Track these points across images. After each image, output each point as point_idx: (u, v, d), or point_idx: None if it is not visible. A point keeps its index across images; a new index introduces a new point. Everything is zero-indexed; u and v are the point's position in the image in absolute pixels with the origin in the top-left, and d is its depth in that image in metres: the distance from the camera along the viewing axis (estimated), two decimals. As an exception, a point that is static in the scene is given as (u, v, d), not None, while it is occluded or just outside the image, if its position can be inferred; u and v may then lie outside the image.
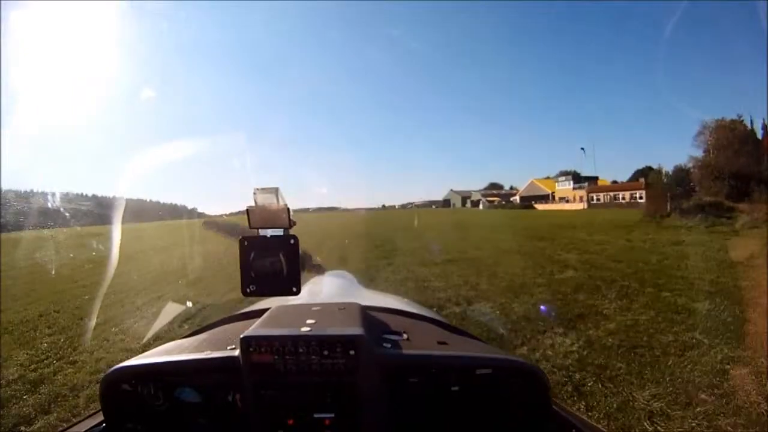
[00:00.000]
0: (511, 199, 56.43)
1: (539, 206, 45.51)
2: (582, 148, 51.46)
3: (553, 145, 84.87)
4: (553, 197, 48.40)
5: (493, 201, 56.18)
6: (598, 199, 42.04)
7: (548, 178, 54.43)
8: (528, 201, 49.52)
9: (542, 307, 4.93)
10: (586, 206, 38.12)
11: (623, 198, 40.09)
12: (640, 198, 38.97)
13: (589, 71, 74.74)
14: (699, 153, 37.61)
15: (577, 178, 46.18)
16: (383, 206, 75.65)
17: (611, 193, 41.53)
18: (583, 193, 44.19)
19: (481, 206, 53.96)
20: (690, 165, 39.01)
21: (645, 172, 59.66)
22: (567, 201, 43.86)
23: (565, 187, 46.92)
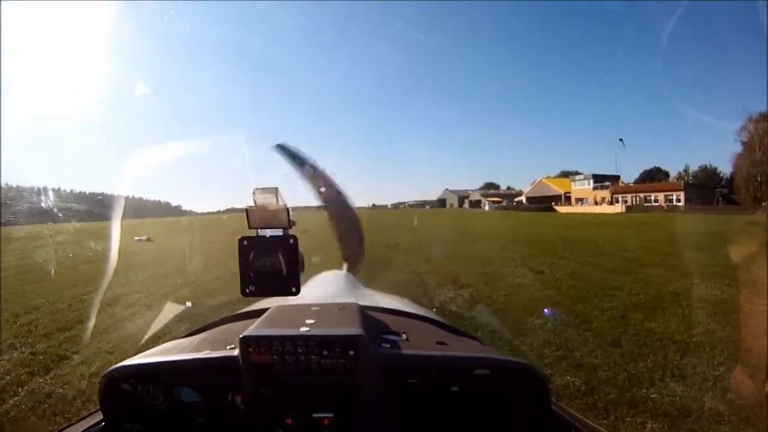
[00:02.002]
0: (516, 199, 50.34)
1: (561, 208, 39.19)
2: (620, 139, 44.70)
3: (550, 145, 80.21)
4: (567, 198, 42.58)
5: (500, 201, 49.67)
6: (625, 201, 36.42)
7: (549, 177, 48.86)
8: (537, 201, 43.48)
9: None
10: (623, 209, 32.08)
11: (656, 200, 34.57)
12: (678, 201, 33.70)
13: (588, 69, 70.27)
14: (739, 149, 32.91)
15: (597, 178, 40.42)
16: (373, 205, 67.02)
17: (640, 195, 35.94)
18: (605, 193, 38.47)
19: (486, 207, 47.30)
20: (732, 163, 34.56)
21: (653, 173, 56.01)
22: (596, 203, 37.79)
23: (583, 186, 41.09)
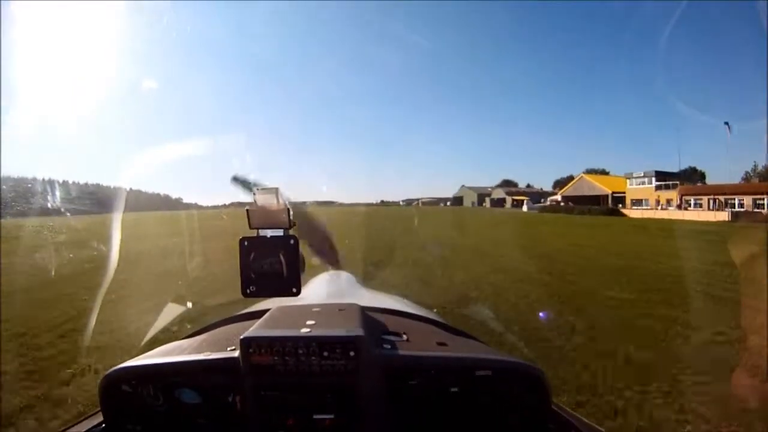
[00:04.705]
0: (551, 199, 44.28)
1: (631, 212, 33.09)
2: (726, 123, 35.82)
3: (566, 143, 74.72)
4: (615, 199, 36.72)
5: (542, 202, 43.32)
6: (698, 204, 30.69)
7: (589, 173, 43.13)
8: (576, 202, 37.50)
9: None
10: (728, 217, 26.18)
11: (741, 205, 28.92)
12: (770, 205, 28.18)
13: (607, 67, 64.84)
14: None
15: (659, 176, 34.58)
16: (382, 201, 59.52)
17: (720, 198, 30.22)
18: (672, 195, 32.62)
19: (525, 208, 40.97)
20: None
21: (689, 174, 51.08)
22: (668, 206, 31.81)
23: (642, 186, 35.19)
